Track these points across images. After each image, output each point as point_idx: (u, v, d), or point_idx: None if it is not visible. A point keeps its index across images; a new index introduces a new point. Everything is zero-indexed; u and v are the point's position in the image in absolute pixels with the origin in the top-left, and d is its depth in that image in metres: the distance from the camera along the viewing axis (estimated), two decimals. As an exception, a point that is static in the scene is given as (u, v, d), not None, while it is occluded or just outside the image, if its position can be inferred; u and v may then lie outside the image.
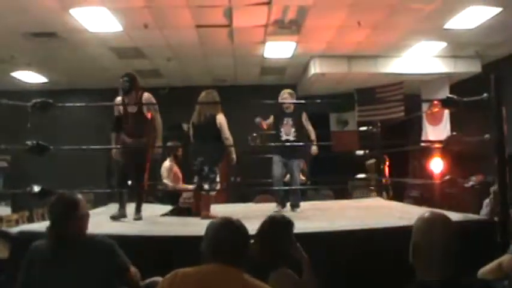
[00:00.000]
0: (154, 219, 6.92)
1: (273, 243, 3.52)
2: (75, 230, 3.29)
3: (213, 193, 7.15)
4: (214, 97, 7.27)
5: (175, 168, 8.91)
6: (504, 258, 3.63)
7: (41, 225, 6.06)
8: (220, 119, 7.04)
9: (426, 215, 2.43)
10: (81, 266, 3.18)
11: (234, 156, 7.26)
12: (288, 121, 7.85)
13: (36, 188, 5.71)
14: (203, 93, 7.32)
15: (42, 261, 3.21)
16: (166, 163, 8.82)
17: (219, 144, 7.05)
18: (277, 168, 7.80)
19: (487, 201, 9.63)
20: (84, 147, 7.20)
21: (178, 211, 7.48)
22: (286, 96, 7.95)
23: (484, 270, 3.59)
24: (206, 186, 7.04)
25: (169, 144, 8.65)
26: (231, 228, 2.81)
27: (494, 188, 9.37)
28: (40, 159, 6.22)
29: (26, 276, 3.24)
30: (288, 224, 3.64)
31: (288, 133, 7.81)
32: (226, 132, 7.02)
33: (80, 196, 3.43)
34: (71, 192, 3.48)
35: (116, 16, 9.26)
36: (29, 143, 5.70)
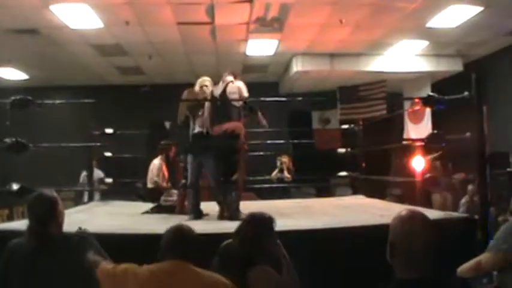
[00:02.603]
0: (136, 217, 6.89)
1: (253, 241, 3.51)
2: (54, 228, 3.27)
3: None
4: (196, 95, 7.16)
5: (164, 168, 8.81)
6: (483, 257, 3.64)
7: (21, 224, 5.99)
8: None
9: (403, 213, 2.40)
10: (61, 264, 3.15)
11: None
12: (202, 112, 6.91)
13: (15, 186, 5.66)
14: (185, 92, 7.18)
15: (21, 259, 3.18)
16: (157, 161, 8.67)
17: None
18: (191, 170, 6.89)
19: (463, 200, 9.69)
20: (63, 144, 7.14)
21: (159, 209, 7.45)
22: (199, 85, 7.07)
23: (463, 268, 3.61)
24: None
25: (162, 143, 8.54)
26: (179, 231, 3.10)
27: (471, 188, 9.44)
28: (20, 157, 6.16)
29: (4, 274, 3.20)
30: (268, 221, 3.64)
31: (201, 125, 6.81)
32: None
33: (56, 194, 3.40)
34: (49, 190, 3.44)
35: (97, 13, 9.19)
36: (8, 140, 5.64)
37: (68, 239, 3.32)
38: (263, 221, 3.64)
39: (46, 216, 3.25)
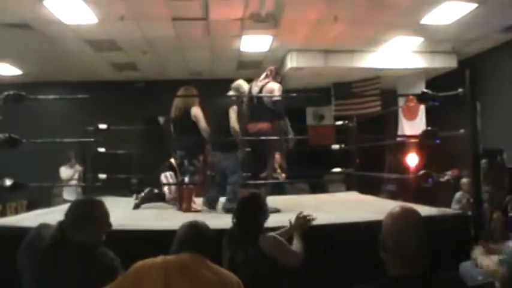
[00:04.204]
0: (133, 213, 6.90)
1: (246, 216, 3.98)
2: (86, 237, 3.15)
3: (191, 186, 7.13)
4: (192, 92, 7.22)
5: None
6: (501, 269, 3.69)
7: (14, 219, 5.99)
8: (195, 111, 6.95)
9: (395, 209, 2.41)
10: (73, 271, 3.00)
11: (209, 147, 7.26)
12: None
13: (8, 182, 5.64)
14: (181, 89, 7.26)
15: (43, 257, 3.08)
16: None
17: (196, 137, 6.97)
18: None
19: (458, 196, 9.53)
20: (57, 139, 7.11)
21: (151, 197, 7.50)
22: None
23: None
24: (186, 180, 7.03)
25: None
26: (196, 226, 3.19)
27: (464, 181, 9.26)
28: (13, 152, 6.13)
29: (24, 263, 3.15)
30: (254, 196, 4.18)
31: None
32: (202, 124, 6.90)
33: (101, 201, 3.35)
34: (96, 198, 3.40)
35: (91, 8, 9.14)
36: (0, 135, 5.61)
37: (93, 251, 3.15)
38: (250, 199, 4.16)
39: (73, 220, 3.18)
